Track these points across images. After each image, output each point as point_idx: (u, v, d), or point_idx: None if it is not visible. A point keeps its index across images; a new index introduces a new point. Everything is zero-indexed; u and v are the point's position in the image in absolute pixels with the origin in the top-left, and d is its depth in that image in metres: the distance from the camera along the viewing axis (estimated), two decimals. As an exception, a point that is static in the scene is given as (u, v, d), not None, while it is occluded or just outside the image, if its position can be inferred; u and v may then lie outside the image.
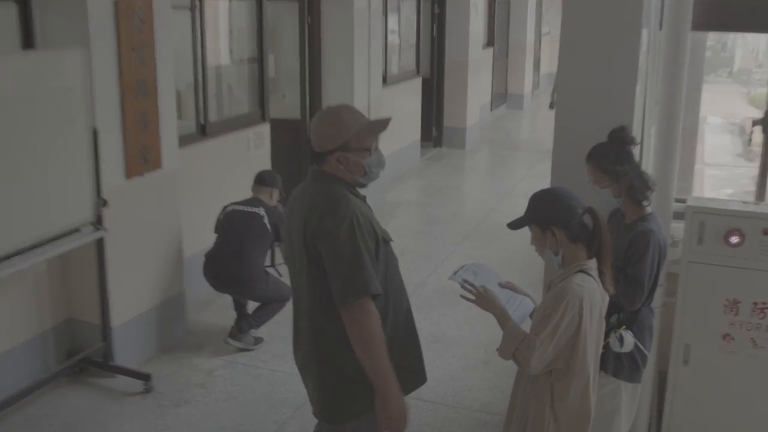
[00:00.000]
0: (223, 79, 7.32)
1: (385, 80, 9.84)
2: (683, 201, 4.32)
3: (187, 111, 6.57)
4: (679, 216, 4.28)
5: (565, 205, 2.86)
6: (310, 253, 2.81)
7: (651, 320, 3.62)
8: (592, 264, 2.86)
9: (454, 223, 8.63)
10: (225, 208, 5.59)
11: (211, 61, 6.67)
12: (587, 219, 2.84)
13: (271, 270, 5.64)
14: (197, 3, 6.26)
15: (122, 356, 5.06)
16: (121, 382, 4.97)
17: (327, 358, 2.92)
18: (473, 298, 2.96)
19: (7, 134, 4.10)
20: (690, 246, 4.00)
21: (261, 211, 5.40)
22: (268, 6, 7.27)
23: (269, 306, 5.48)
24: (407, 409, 2.84)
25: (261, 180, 5.66)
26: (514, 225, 2.97)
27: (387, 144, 9.67)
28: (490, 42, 14.90)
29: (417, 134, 11.47)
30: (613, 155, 3.59)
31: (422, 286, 6.68)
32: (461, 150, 12.55)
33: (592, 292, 2.80)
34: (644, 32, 4.06)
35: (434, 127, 12.47)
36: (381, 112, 9.01)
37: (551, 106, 11.58)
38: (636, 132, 4.04)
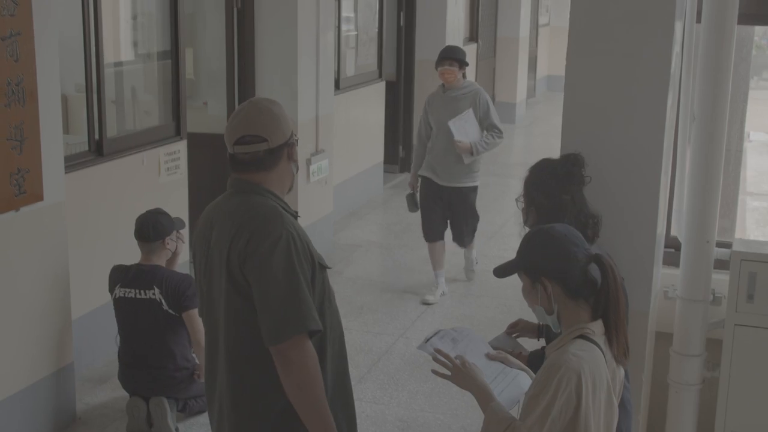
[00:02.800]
0: (125, 81, 7.27)
1: (337, 85, 9.87)
2: (727, 245, 4.35)
3: (76, 123, 6.49)
4: (722, 265, 4.31)
5: (562, 251, 2.88)
6: (236, 281, 2.95)
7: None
8: (597, 327, 2.89)
9: (428, 271, 8.61)
10: (112, 284, 5.51)
11: (109, 56, 6.63)
12: (594, 270, 2.86)
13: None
14: (91, -20, 6.23)
15: (-16, 453, 4.96)
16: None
17: (250, 413, 3.02)
18: (448, 373, 2.99)
19: None
20: (737, 304, 4.02)
21: (156, 293, 5.33)
22: (186, -14, 7.28)
23: None
24: None
25: (144, 235, 5.40)
26: (501, 271, 3.03)
27: (339, 168, 9.77)
28: (472, 36, 15.07)
29: (379, 155, 11.50)
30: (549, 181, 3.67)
31: (387, 355, 6.64)
32: (436, 175, 12.56)
33: (595, 363, 2.82)
34: (677, 25, 4.11)
35: (401, 146, 12.51)
36: (333, 125, 9.01)
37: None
38: (666, 155, 4.07)
